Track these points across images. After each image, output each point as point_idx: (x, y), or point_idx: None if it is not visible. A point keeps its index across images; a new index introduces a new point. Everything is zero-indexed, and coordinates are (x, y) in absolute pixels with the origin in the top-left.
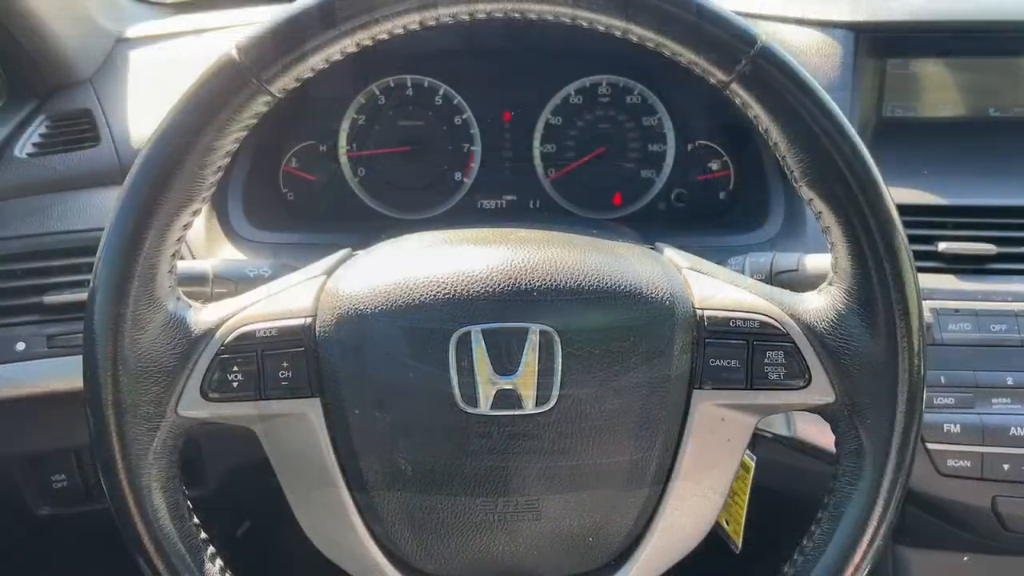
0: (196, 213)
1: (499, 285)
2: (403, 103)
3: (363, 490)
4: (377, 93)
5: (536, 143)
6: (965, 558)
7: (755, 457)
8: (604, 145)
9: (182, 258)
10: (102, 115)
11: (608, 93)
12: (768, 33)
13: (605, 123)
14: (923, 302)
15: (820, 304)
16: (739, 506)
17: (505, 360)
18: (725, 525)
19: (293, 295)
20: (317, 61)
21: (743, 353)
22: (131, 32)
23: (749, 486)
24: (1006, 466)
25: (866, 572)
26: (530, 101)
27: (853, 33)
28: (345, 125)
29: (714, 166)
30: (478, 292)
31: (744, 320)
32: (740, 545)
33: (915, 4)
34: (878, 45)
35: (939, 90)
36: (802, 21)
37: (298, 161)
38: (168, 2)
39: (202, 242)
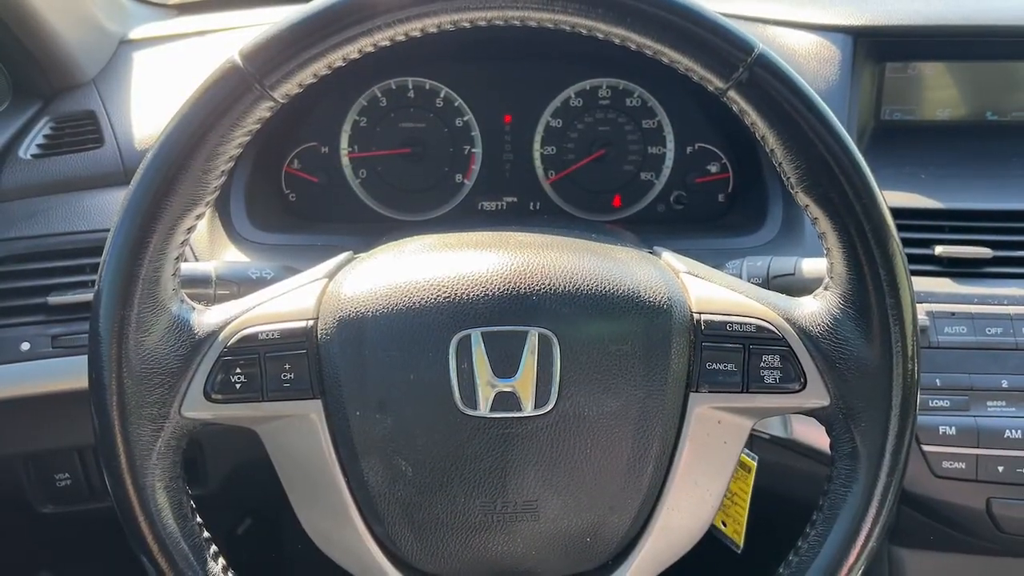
0: (200, 217)
1: (499, 288)
2: (404, 105)
3: (364, 490)
4: (379, 95)
5: (536, 145)
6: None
7: (756, 457)
8: (604, 147)
9: (185, 259)
10: (106, 117)
11: (608, 96)
12: (767, 37)
13: (605, 126)
14: (919, 305)
15: (816, 309)
16: (740, 507)
17: (504, 363)
18: (722, 527)
19: (295, 298)
20: (320, 67)
21: (739, 357)
22: (135, 34)
23: (751, 486)
24: (1000, 468)
25: (860, 573)
26: (531, 103)
27: (851, 37)
28: (347, 127)
29: (713, 168)
30: (478, 295)
31: (741, 324)
32: (742, 545)
33: (913, 8)
34: (876, 49)
35: (937, 94)
36: (801, 25)
37: (300, 162)
38: (171, 4)
39: (205, 243)
